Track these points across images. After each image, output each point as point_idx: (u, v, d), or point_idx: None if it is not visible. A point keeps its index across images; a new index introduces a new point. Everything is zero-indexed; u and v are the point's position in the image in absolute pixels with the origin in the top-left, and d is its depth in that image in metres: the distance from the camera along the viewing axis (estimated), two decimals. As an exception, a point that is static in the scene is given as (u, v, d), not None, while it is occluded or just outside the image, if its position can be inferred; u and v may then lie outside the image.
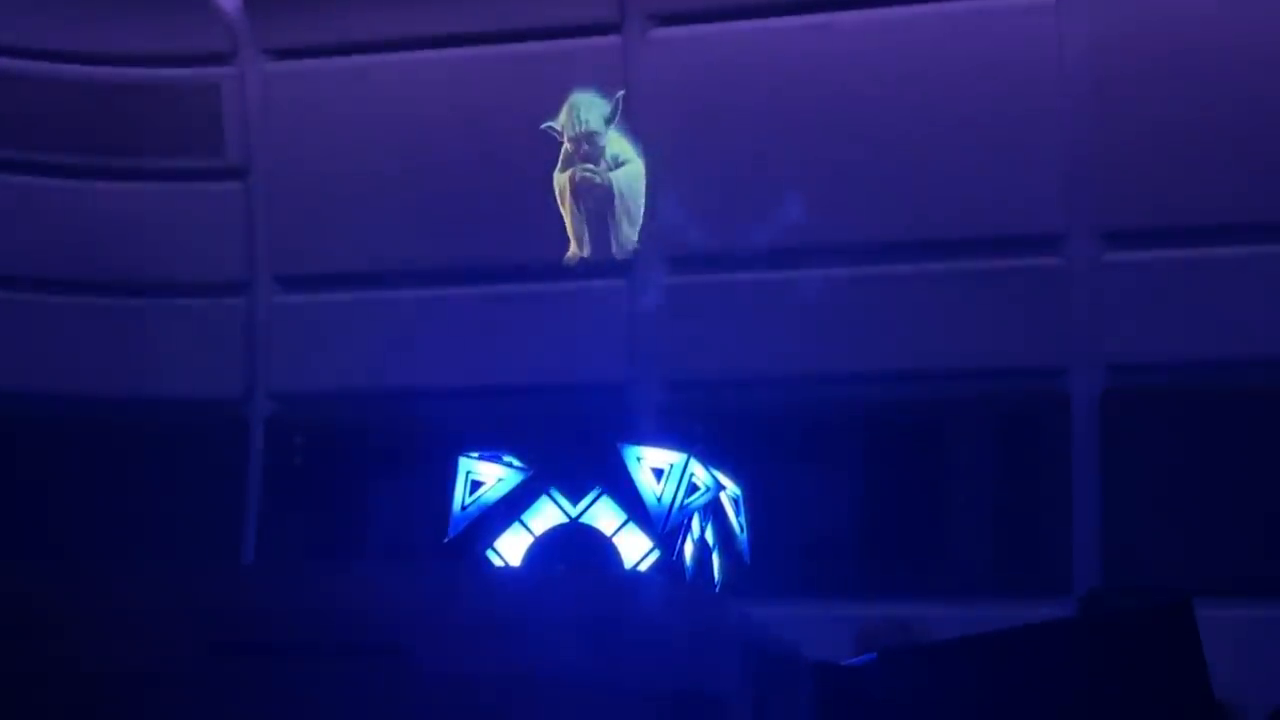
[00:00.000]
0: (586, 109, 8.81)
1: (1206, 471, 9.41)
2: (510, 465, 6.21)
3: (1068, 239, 9.70)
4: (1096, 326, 9.61)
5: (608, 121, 8.72)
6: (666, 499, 5.89)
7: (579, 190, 8.78)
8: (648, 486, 5.94)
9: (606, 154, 8.88)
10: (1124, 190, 9.55)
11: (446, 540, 6.11)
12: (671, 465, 5.99)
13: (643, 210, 8.97)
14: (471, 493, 6.25)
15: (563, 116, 9.02)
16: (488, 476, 6.24)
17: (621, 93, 8.85)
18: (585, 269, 8.99)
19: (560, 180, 8.95)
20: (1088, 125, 9.64)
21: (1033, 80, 9.70)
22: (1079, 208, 9.65)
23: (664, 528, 5.86)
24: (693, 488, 6.05)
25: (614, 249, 8.76)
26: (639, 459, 6.00)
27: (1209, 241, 9.43)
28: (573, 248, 8.86)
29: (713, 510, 6.21)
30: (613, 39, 10.27)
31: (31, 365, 10.74)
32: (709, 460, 6.32)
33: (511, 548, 6.12)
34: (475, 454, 6.41)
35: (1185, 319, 9.43)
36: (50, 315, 10.82)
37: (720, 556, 6.27)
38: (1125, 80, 9.56)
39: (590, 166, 8.73)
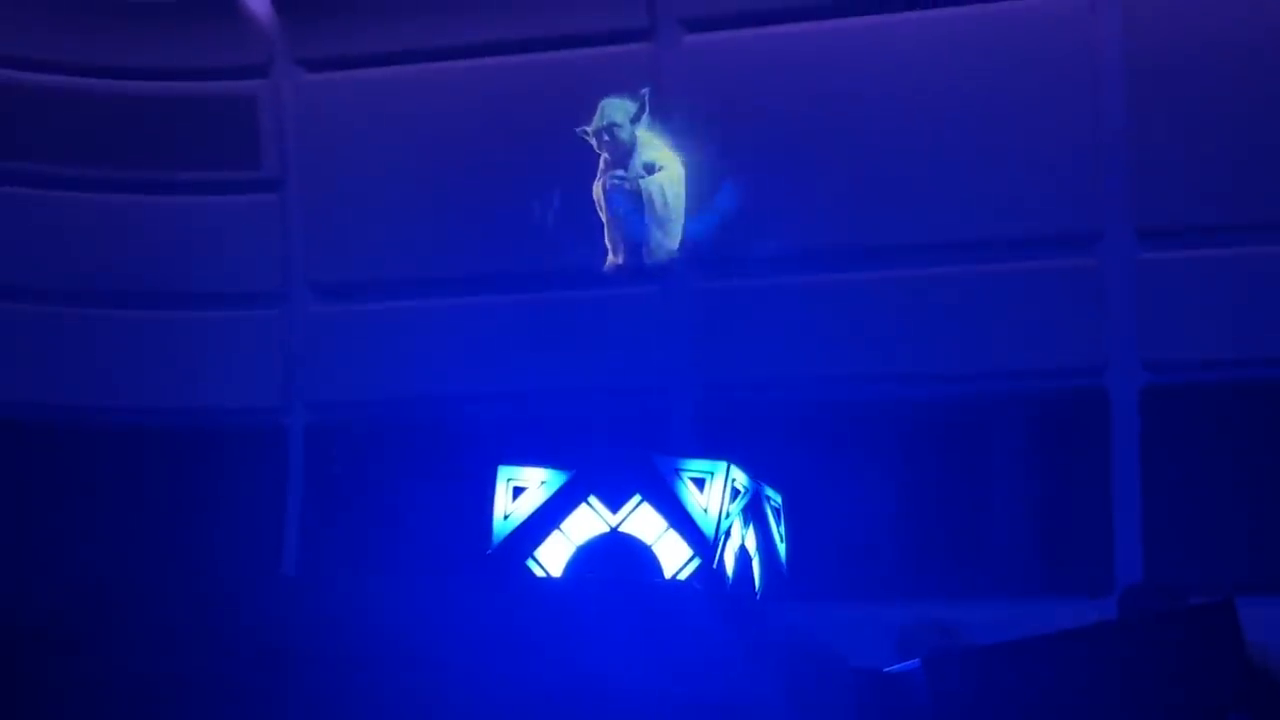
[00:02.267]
0: (613, 109, 8.86)
1: (1247, 467, 9.37)
2: (551, 469, 6.23)
3: (1104, 236, 9.67)
4: (1134, 323, 9.58)
5: (633, 119, 8.75)
6: (712, 507, 5.89)
7: (610, 197, 8.81)
8: (690, 495, 5.94)
9: (639, 160, 8.91)
10: (1160, 187, 9.52)
11: (490, 550, 6.13)
12: (712, 473, 5.99)
13: (680, 216, 8.99)
14: (513, 499, 6.27)
15: (594, 120, 9.06)
16: (530, 482, 6.26)
17: (647, 90, 8.88)
18: (621, 275, 9.02)
19: (598, 190, 8.99)
20: (1122, 123, 9.61)
21: (1068, 78, 9.68)
22: (1115, 205, 9.63)
23: (707, 536, 5.86)
24: (735, 494, 6.05)
25: (647, 255, 8.79)
26: (678, 469, 6.01)
27: (1246, 237, 9.39)
28: (610, 256, 8.91)
29: (754, 517, 6.21)
30: (644, 46, 10.27)
31: (69, 378, 10.81)
32: (748, 466, 6.32)
33: (552, 556, 6.13)
34: (514, 461, 6.43)
35: (1223, 315, 9.39)
36: (88, 329, 10.88)
37: (761, 563, 6.26)
38: (1160, 77, 9.53)
39: (620, 173, 8.76)
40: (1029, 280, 9.70)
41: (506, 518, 6.23)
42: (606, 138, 8.93)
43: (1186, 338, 9.47)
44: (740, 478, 6.15)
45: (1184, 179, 9.45)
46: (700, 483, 5.97)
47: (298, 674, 4.36)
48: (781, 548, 6.44)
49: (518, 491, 6.28)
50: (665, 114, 9.41)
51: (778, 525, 6.47)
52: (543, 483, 6.25)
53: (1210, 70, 9.42)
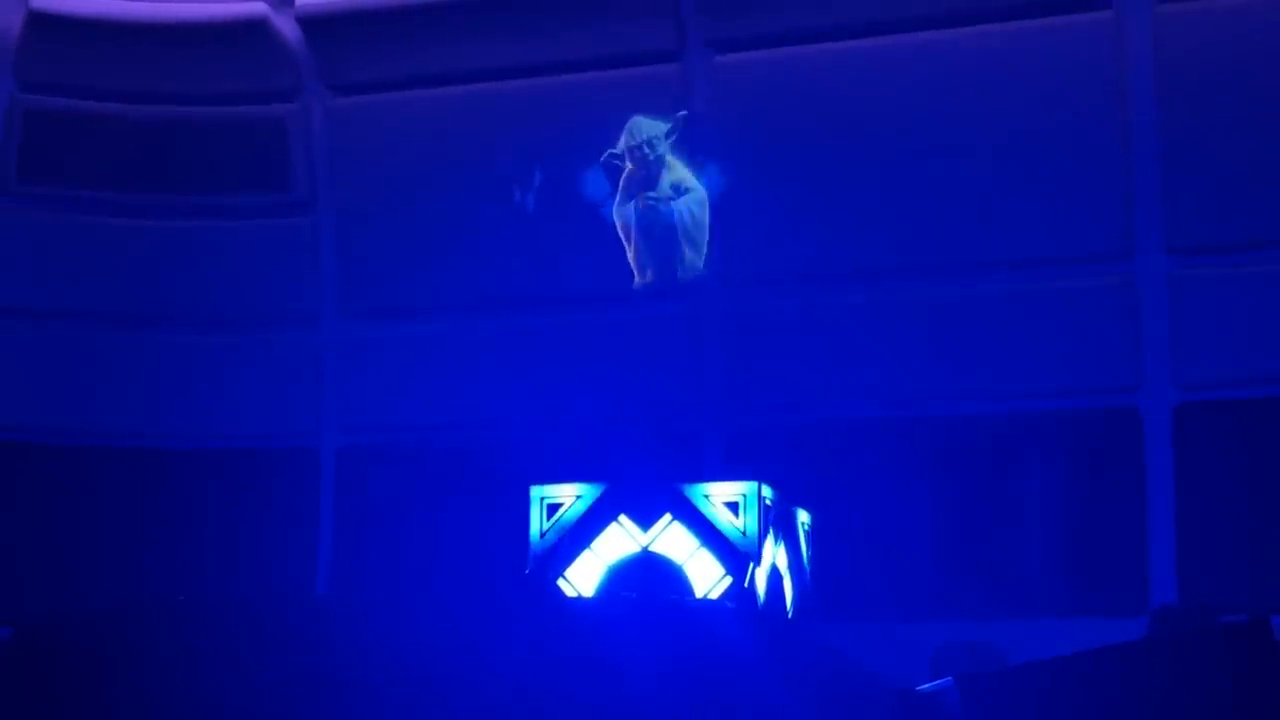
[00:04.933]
0: (646, 127, 8.90)
1: (1282, 485, 9.32)
2: (583, 484, 6.27)
3: (1135, 254, 9.64)
4: (1166, 341, 9.55)
5: (668, 135, 8.79)
6: (750, 530, 5.91)
7: (642, 218, 8.84)
8: (724, 516, 5.96)
9: (668, 182, 8.94)
10: (1190, 204, 9.49)
11: (527, 571, 6.16)
12: (745, 496, 6.00)
13: (705, 234, 9.01)
14: (548, 516, 6.30)
15: (622, 140, 9.09)
16: (564, 497, 6.29)
17: (684, 112, 8.92)
18: (651, 293, 9.03)
19: (622, 213, 9.02)
20: (1152, 140, 9.59)
21: (1097, 96, 9.65)
22: (1147, 223, 9.60)
23: (741, 556, 5.88)
24: (768, 514, 6.07)
25: (678, 275, 8.82)
26: (707, 495, 6.03)
27: (1277, 253, 9.35)
28: (638, 277, 8.92)
29: (784, 536, 6.23)
30: (673, 66, 10.30)
31: (103, 400, 10.86)
32: (779, 485, 6.33)
33: (582, 576, 6.15)
34: (546, 480, 6.46)
35: (1256, 331, 9.34)
36: (121, 352, 10.92)
37: (792, 582, 6.28)
38: (1189, 94, 9.50)
39: (652, 195, 8.79)
40: (1060, 299, 9.68)
41: (542, 535, 6.27)
42: (639, 155, 8.96)
43: (1219, 355, 9.42)
44: (771, 498, 6.16)
45: (1215, 196, 9.41)
46: (734, 506, 5.99)
47: (331, 692, 4.38)
48: (807, 568, 6.45)
49: (552, 509, 6.32)
50: (694, 134, 9.42)
51: (806, 546, 6.49)
52: (576, 497, 6.28)
53: (1240, 87, 9.39)
